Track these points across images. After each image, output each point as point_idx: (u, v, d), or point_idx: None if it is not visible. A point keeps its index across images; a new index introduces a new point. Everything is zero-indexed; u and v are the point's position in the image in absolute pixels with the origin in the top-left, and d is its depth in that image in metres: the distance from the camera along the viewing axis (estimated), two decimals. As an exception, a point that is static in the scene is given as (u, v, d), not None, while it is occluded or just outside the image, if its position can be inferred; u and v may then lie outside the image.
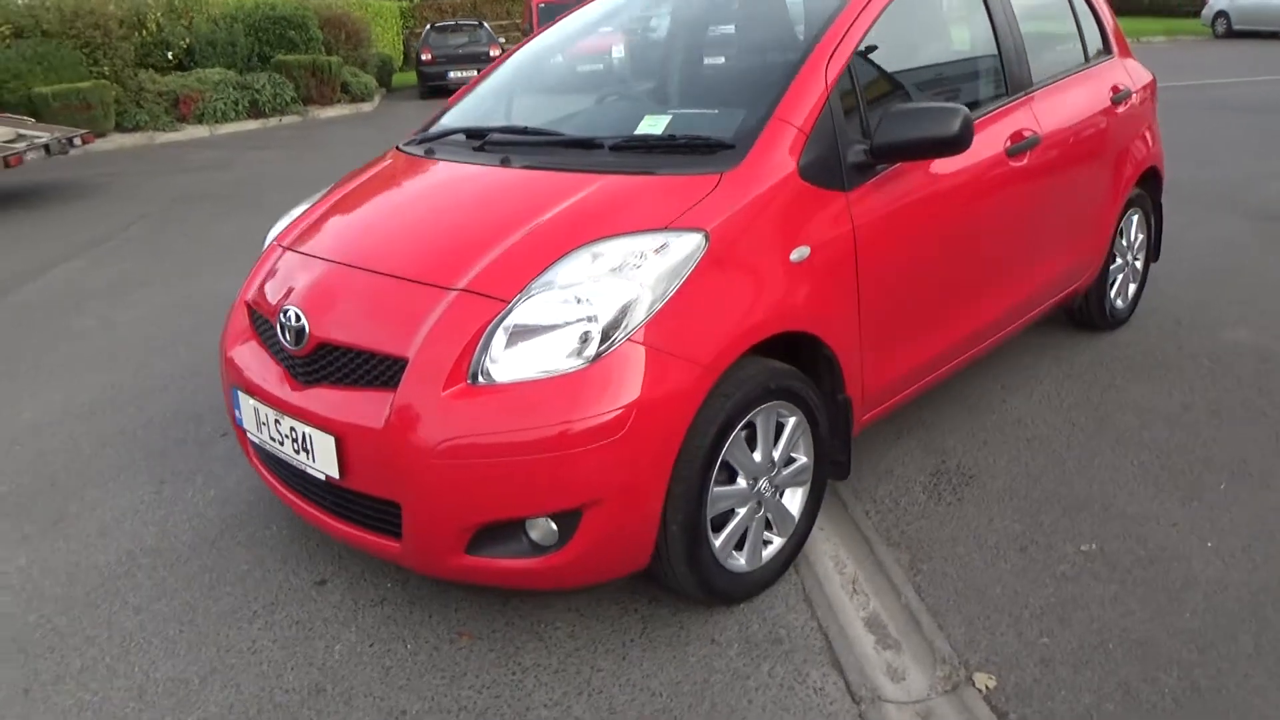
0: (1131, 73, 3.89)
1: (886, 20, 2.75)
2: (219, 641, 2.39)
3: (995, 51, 3.15)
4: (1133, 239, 4.10)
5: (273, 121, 14.60)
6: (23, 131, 9.21)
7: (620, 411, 2.02)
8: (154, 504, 3.04)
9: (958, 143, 2.50)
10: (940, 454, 3.16)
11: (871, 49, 2.71)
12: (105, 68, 13.62)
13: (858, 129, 2.55)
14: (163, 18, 15.54)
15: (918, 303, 2.80)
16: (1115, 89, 3.71)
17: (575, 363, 2.03)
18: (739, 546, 2.41)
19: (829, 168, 2.46)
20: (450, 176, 2.70)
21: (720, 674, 2.20)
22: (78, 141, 9.57)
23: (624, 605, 2.46)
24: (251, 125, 14.39)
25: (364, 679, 2.24)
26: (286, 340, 2.35)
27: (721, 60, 2.91)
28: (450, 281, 2.20)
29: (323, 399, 2.25)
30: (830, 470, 2.70)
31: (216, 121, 14.13)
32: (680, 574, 2.26)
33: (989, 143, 2.97)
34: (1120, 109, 3.71)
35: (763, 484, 2.39)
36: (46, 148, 8.84)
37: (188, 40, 15.62)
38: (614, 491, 2.05)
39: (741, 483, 2.34)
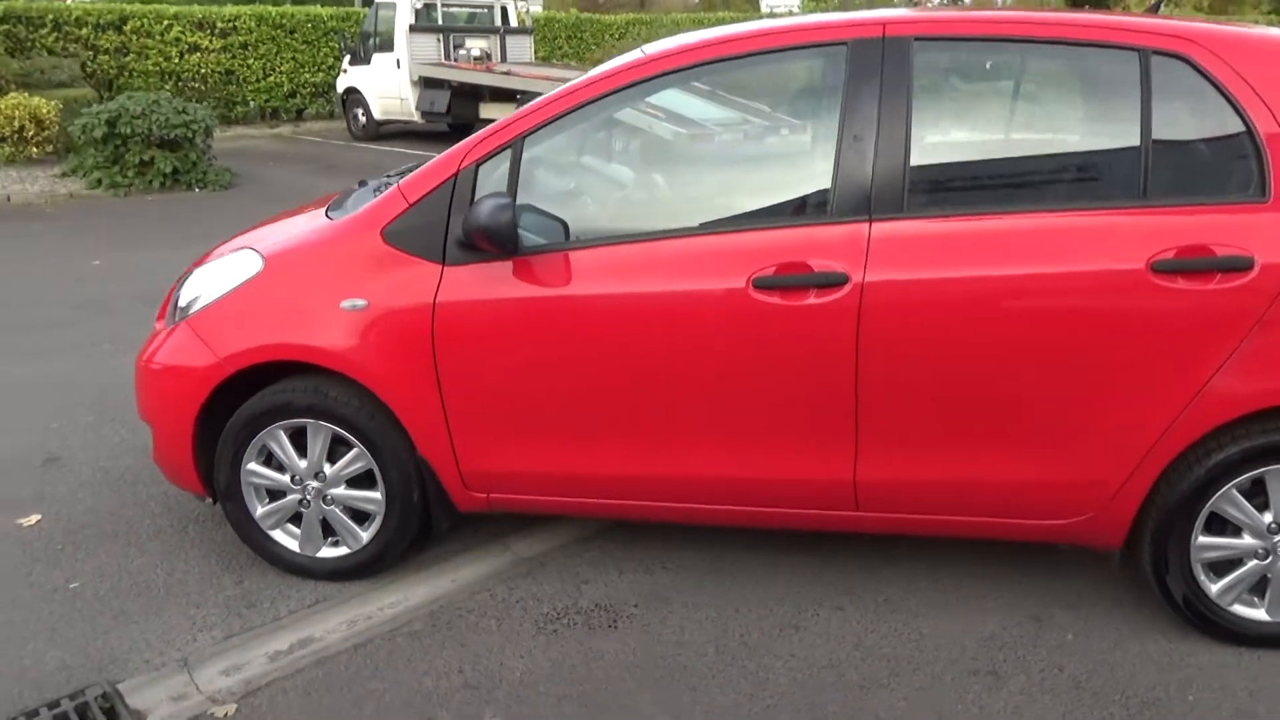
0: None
1: (576, 125, 2.59)
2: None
3: (827, 161, 2.39)
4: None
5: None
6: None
7: (158, 368, 2.78)
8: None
9: (491, 235, 2.38)
10: (668, 604, 2.75)
11: (554, 145, 2.57)
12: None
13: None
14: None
15: (572, 406, 2.58)
16: (1191, 250, 2.23)
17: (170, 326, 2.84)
18: (297, 525, 2.85)
19: (427, 240, 2.56)
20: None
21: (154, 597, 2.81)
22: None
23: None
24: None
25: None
26: None
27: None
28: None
29: None
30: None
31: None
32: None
33: (710, 263, 2.42)
34: (1191, 284, 2.24)
35: (310, 486, 2.77)
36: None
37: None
38: (155, 423, 2.84)
39: (286, 474, 2.78)
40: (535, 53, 16.06)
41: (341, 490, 2.79)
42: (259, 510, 2.84)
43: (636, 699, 2.36)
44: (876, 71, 2.41)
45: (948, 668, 2.47)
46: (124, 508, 3.32)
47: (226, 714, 2.32)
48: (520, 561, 2.99)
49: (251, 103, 16.35)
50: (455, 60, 13.94)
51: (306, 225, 2.87)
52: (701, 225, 2.51)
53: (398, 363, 2.62)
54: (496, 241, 2.41)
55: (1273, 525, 2.42)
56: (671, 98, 2.70)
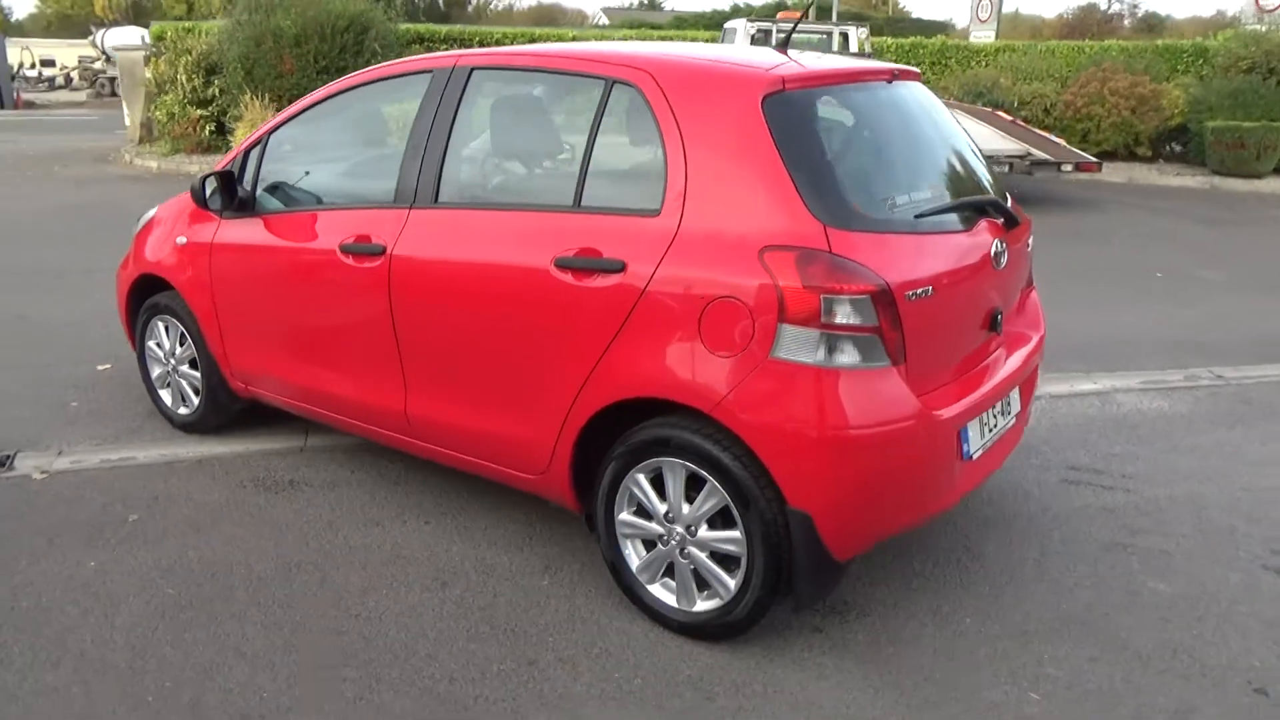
0: (694, 254, 2.41)
1: (297, 125, 3.53)
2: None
3: (402, 158, 3.09)
4: (677, 505, 2.59)
5: None
6: (1032, 151, 10.81)
7: (118, 270, 4.29)
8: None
9: (193, 196, 3.45)
10: (334, 490, 3.64)
11: (284, 139, 3.54)
12: (1318, 110, 12.93)
13: (250, 181, 3.61)
14: None
15: (271, 329, 3.58)
16: (585, 251, 2.56)
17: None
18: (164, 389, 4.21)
19: (215, 200, 3.71)
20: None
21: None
22: (1067, 168, 10.69)
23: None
24: None
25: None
26: None
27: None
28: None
29: None
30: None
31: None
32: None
33: (321, 231, 3.25)
34: (577, 280, 2.58)
35: (171, 363, 4.10)
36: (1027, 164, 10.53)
37: None
38: (119, 306, 4.37)
39: (162, 353, 4.14)
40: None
41: (185, 369, 4.08)
42: (155, 373, 4.25)
43: (232, 531, 3.32)
44: (440, 94, 3.07)
45: (417, 571, 3.05)
46: (153, 371, 4.95)
47: (38, 476, 3.73)
48: (300, 448, 4.04)
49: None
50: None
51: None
52: (328, 202, 3.37)
53: (197, 283, 3.83)
54: (196, 199, 3.51)
55: (669, 515, 2.66)
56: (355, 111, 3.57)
